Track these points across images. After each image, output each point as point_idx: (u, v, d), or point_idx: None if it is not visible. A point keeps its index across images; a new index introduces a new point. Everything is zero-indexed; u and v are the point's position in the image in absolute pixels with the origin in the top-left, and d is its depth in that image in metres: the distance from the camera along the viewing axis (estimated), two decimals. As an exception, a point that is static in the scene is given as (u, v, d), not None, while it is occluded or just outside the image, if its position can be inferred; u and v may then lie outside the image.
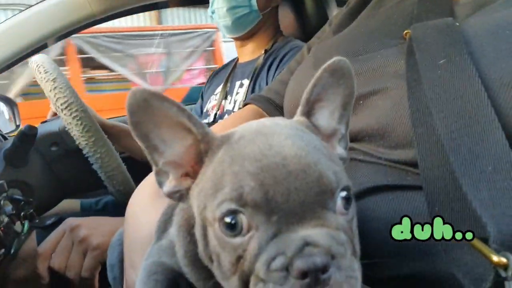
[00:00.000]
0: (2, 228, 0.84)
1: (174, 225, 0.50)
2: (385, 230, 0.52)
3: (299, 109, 0.46)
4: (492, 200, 0.38)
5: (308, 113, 0.46)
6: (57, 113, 1.05)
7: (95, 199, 1.48)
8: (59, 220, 1.13)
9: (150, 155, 0.42)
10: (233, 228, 0.36)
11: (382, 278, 0.50)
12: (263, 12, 1.40)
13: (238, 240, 0.36)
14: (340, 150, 0.48)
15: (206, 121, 1.54)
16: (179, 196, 0.43)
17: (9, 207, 0.92)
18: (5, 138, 1.28)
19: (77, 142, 1.01)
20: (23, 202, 1.08)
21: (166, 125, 0.41)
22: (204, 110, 1.58)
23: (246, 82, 1.40)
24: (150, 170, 0.46)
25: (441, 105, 0.46)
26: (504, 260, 0.37)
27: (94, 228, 0.98)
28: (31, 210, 1.09)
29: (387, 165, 0.56)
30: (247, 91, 1.36)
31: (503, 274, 0.37)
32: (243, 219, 0.36)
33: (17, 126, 1.60)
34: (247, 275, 0.35)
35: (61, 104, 0.98)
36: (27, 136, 1.05)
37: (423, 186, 0.47)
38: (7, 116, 1.59)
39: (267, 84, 1.31)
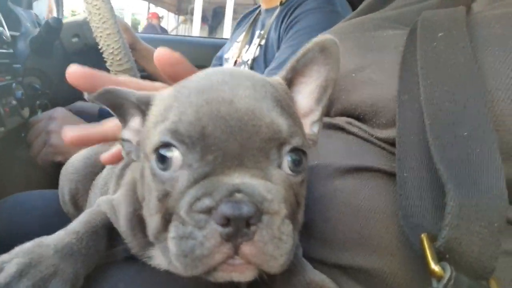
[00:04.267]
0: (7, 109, 0.88)
1: (121, 186, 0.49)
2: (352, 217, 0.50)
3: (280, 73, 0.43)
4: (461, 161, 0.36)
5: (290, 81, 0.43)
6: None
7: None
8: None
9: (122, 130, 0.43)
10: (164, 162, 0.33)
11: (335, 264, 0.48)
12: None
13: (167, 174, 0.33)
14: (311, 131, 0.45)
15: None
16: (131, 153, 0.43)
17: (19, 92, 0.95)
18: (40, 25, 1.30)
19: (94, 35, 0.99)
20: (40, 92, 1.12)
21: (126, 104, 0.41)
22: (226, 56, 1.51)
23: (262, 33, 1.30)
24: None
25: (429, 73, 0.44)
26: (439, 270, 0.33)
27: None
28: (46, 101, 1.14)
29: (379, 146, 0.54)
30: (260, 43, 1.28)
31: (434, 284, 0.34)
32: (176, 154, 0.33)
33: (60, 19, 1.64)
34: (170, 213, 0.33)
35: None
36: (52, 27, 1.06)
37: (396, 153, 0.44)
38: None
39: (279, 42, 1.21)
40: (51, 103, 1.15)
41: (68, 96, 1.27)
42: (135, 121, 0.42)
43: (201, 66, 0.44)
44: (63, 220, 0.72)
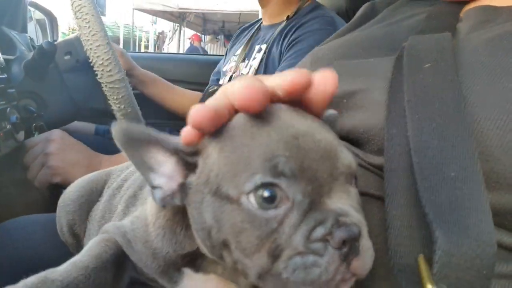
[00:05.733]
0: (1, 133, 0.88)
1: (153, 228, 0.46)
2: None
3: None
4: (449, 204, 0.36)
5: None
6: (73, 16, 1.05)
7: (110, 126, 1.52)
8: None
9: (145, 176, 0.41)
10: (268, 201, 0.34)
11: None
12: None
13: (271, 213, 0.34)
14: None
15: (221, 81, 1.51)
16: (171, 198, 0.41)
17: (14, 116, 0.95)
18: (34, 48, 1.32)
19: (85, 49, 0.98)
20: (35, 114, 1.13)
21: (154, 149, 0.39)
22: (223, 70, 1.53)
23: (264, 47, 1.33)
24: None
25: (417, 107, 0.44)
26: None
27: (63, 151, 1.02)
28: (42, 123, 1.15)
29: (373, 172, 0.53)
30: (262, 58, 1.30)
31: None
32: (277, 191, 0.34)
33: (54, 40, 1.65)
34: (280, 249, 0.34)
35: (75, 7, 0.96)
36: (46, 51, 1.07)
37: (384, 188, 0.44)
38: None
39: (280, 57, 1.23)
40: (47, 125, 1.15)
41: (64, 116, 1.28)
42: (166, 167, 0.40)
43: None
44: (62, 245, 0.73)
